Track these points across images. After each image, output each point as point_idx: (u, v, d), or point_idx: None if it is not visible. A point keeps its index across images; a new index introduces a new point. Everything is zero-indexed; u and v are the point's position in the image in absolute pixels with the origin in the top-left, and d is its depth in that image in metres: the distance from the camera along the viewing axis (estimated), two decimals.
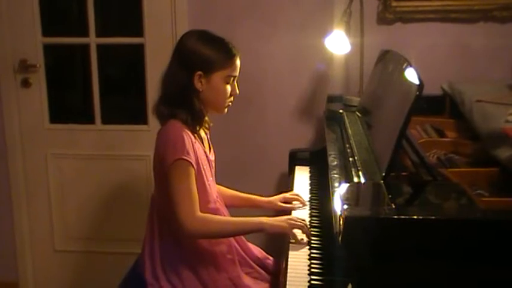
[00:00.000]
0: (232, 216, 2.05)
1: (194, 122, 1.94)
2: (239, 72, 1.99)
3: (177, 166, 1.84)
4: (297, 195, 2.23)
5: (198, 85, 1.92)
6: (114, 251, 3.10)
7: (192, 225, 1.82)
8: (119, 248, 3.08)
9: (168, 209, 1.87)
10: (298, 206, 2.18)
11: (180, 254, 1.96)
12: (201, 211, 1.87)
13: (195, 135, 1.95)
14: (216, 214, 1.98)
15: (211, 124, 2.09)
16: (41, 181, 3.12)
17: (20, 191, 3.12)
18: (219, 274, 1.96)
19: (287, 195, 2.24)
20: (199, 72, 1.91)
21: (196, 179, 1.88)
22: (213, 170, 2.07)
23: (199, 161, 1.92)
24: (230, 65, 1.94)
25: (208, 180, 1.98)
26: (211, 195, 2.00)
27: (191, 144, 1.89)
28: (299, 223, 1.90)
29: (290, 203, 2.21)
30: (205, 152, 2.00)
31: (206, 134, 2.09)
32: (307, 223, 1.96)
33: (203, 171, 1.95)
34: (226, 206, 2.12)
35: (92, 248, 3.17)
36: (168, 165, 1.84)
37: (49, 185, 3.12)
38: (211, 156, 2.07)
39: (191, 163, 1.85)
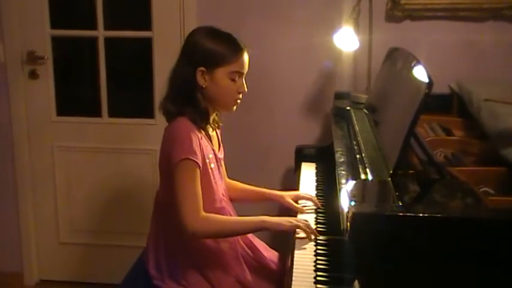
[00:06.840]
0: (238, 213, 2.05)
1: (201, 120, 1.92)
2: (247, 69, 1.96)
3: (183, 166, 1.82)
4: (311, 196, 2.14)
5: (201, 81, 1.89)
6: (119, 244, 3.11)
7: (195, 225, 1.81)
8: (123, 241, 3.09)
9: (172, 207, 1.86)
10: (308, 206, 2.09)
11: (184, 250, 1.96)
12: (207, 210, 1.85)
13: (203, 132, 1.93)
14: (221, 213, 1.97)
15: (221, 124, 2.08)
16: (47, 173, 3.13)
17: (26, 183, 3.13)
18: (223, 271, 1.96)
19: (301, 193, 2.16)
20: (202, 68, 1.88)
21: (201, 178, 1.86)
22: (222, 168, 2.06)
23: (206, 160, 1.91)
24: (234, 61, 1.90)
25: (215, 179, 1.96)
26: (217, 194, 1.98)
27: (198, 144, 1.86)
28: (301, 224, 1.86)
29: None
30: (213, 150, 1.98)
31: (216, 132, 2.06)
32: (311, 224, 1.92)
33: (210, 170, 1.93)
34: (239, 200, 2.11)
35: (96, 240, 3.18)
36: (174, 164, 1.82)
37: (55, 177, 3.13)
38: (220, 154, 2.05)
39: (197, 163, 1.83)
